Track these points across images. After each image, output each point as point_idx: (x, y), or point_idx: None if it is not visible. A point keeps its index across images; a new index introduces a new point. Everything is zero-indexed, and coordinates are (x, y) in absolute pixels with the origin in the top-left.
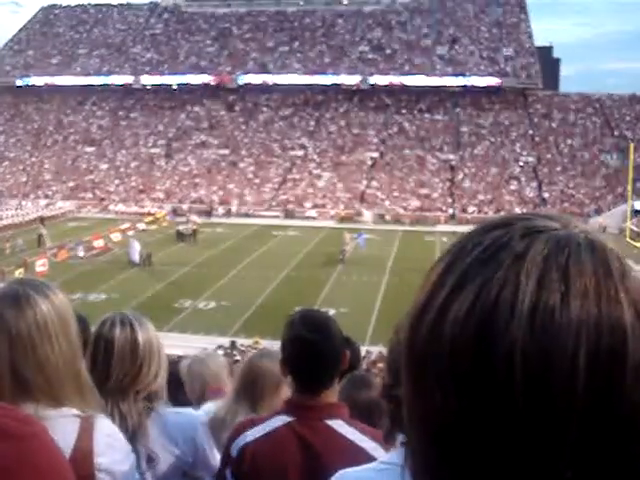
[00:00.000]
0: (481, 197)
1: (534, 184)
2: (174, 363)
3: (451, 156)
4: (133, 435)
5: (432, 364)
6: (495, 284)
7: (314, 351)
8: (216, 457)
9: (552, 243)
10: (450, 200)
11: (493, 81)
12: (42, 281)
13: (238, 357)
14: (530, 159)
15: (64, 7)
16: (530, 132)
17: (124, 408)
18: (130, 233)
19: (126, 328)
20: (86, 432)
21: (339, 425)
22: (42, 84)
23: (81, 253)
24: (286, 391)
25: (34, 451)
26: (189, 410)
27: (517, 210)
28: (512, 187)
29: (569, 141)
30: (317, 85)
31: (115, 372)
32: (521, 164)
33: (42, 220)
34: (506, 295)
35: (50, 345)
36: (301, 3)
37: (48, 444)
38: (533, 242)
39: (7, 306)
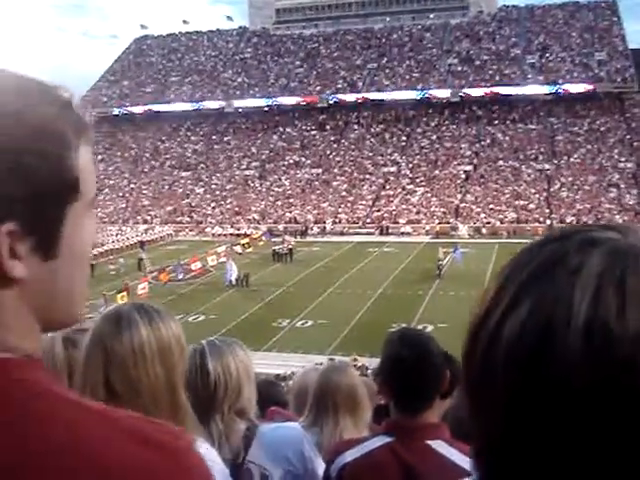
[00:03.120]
0: (579, 206)
1: (634, 191)
2: (273, 384)
3: (546, 165)
4: (236, 457)
5: (486, 382)
6: (549, 300)
7: (414, 371)
8: (322, 466)
9: (608, 255)
10: (547, 211)
11: (587, 87)
12: (156, 307)
13: None
14: (629, 165)
15: (156, 37)
16: (628, 137)
17: (215, 431)
18: (225, 256)
19: (196, 355)
20: None
21: (440, 445)
22: (138, 112)
23: (180, 275)
24: (367, 406)
25: (188, 464)
26: (290, 423)
27: (618, 219)
28: (611, 195)
29: None
30: (407, 100)
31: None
32: (620, 170)
33: (142, 244)
34: (561, 311)
35: (145, 369)
36: (387, 19)
37: (200, 458)
38: (589, 255)
39: (108, 324)
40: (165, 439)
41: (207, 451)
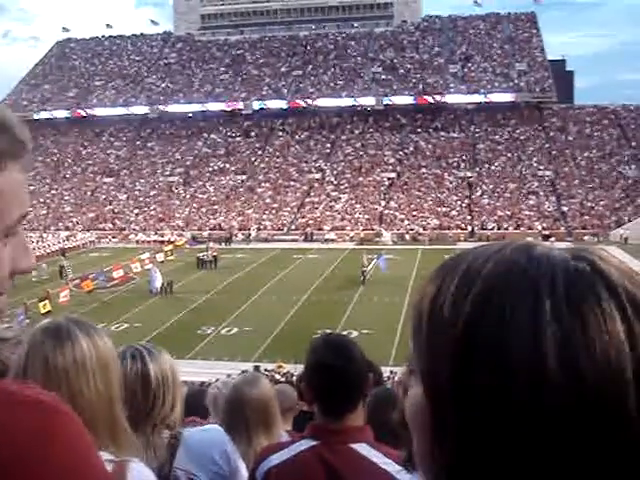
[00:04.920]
0: (500, 213)
1: (553, 198)
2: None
3: (468, 173)
4: (162, 467)
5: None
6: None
7: (338, 376)
8: (244, 468)
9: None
10: (469, 217)
11: (507, 97)
12: (89, 322)
13: None
14: (548, 173)
15: (79, 40)
16: (547, 146)
17: (142, 442)
18: (149, 263)
19: (137, 362)
20: (119, 477)
21: (364, 448)
22: (59, 117)
23: (104, 283)
24: (279, 420)
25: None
26: (212, 426)
27: (537, 225)
28: (531, 202)
29: (586, 154)
30: (332, 108)
31: (128, 408)
32: (539, 178)
33: (63, 252)
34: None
35: (86, 382)
36: (313, 27)
37: (77, 420)
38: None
39: (48, 337)
40: (47, 400)
41: (142, 472)
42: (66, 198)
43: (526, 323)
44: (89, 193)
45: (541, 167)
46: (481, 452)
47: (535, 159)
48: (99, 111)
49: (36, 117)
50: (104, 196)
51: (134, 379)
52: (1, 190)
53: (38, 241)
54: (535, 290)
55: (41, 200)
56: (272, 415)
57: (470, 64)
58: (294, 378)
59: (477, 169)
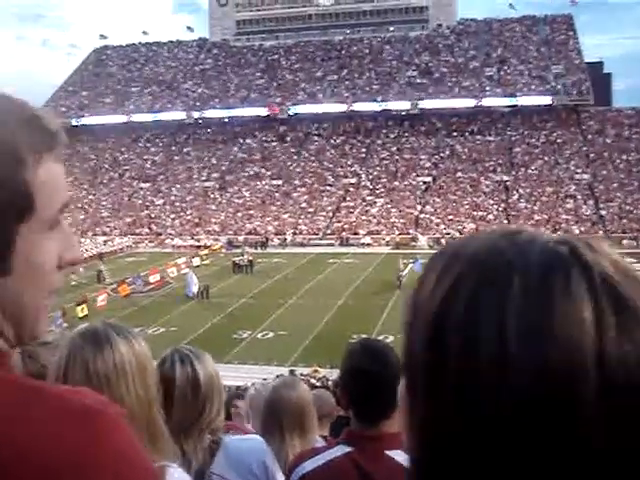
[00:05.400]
0: (537, 217)
1: (591, 202)
2: (237, 396)
3: (505, 177)
4: (201, 473)
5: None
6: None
7: (374, 382)
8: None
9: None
10: (506, 221)
11: (544, 100)
12: (125, 326)
13: None
14: (585, 176)
15: (115, 47)
16: (584, 149)
17: (188, 448)
18: (185, 268)
19: (186, 366)
20: None
21: (399, 455)
22: (96, 123)
23: (140, 287)
24: (315, 424)
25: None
26: (252, 435)
27: (575, 229)
28: (568, 206)
29: (624, 156)
30: (367, 112)
31: (177, 412)
32: (576, 182)
33: (101, 257)
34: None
35: (126, 387)
36: (348, 32)
37: (124, 423)
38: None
39: (87, 342)
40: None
41: (180, 477)
42: (103, 203)
43: (494, 304)
44: (126, 198)
45: (578, 170)
46: (450, 441)
47: (572, 162)
48: (136, 117)
49: (74, 123)
50: (141, 201)
51: (185, 383)
52: (42, 182)
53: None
54: (508, 271)
55: (79, 205)
56: (308, 419)
57: (506, 67)
58: (330, 383)
59: (514, 172)
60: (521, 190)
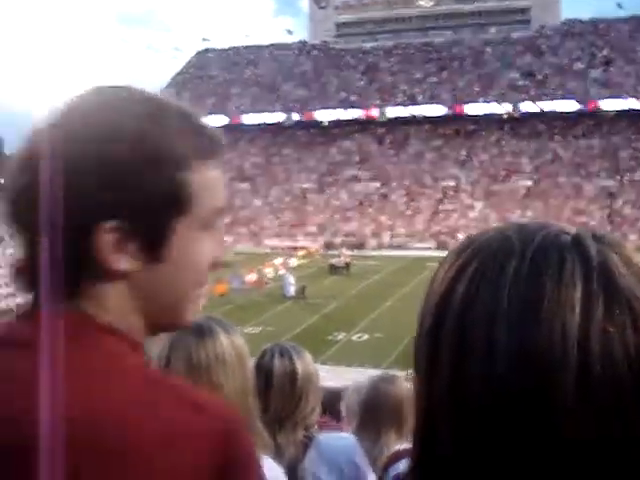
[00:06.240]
0: None
1: None
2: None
3: (609, 182)
4: (292, 467)
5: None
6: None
7: None
8: (374, 478)
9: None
10: (609, 228)
11: None
12: (225, 320)
13: None
14: None
15: (217, 50)
16: None
17: (281, 440)
18: (283, 268)
19: (285, 359)
20: None
21: None
22: None
23: (237, 286)
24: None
25: (235, 431)
26: (345, 434)
27: None
28: None
29: None
30: (467, 115)
31: (274, 403)
32: None
33: None
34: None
35: (225, 376)
36: (448, 33)
37: (247, 437)
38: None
39: (190, 333)
40: (216, 406)
41: (271, 468)
42: None
43: (489, 287)
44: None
45: None
46: (443, 420)
47: None
48: (236, 118)
49: None
50: (239, 202)
51: (282, 376)
52: (202, 185)
53: None
54: (507, 255)
55: None
56: (406, 415)
57: (612, 68)
58: None
59: (619, 177)
60: (626, 196)
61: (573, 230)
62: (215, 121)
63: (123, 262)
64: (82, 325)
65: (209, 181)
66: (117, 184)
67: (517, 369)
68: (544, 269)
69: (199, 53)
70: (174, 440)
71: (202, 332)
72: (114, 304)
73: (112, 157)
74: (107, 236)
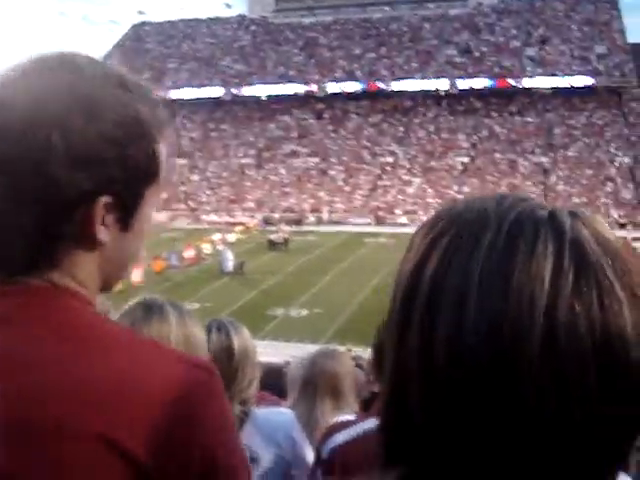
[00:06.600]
0: (576, 200)
1: (631, 185)
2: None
3: (543, 159)
4: None
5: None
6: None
7: None
8: (311, 455)
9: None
10: (544, 203)
11: (586, 81)
12: (179, 302)
13: None
14: (626, 160)
15: (154, 23)
16: (625, 132)
17: None
18: (221, 244)
19: (222, 334)
20: None
21: None
22: None
23: (175, 263)
24: (350, 395)
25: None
26: (283, 409)
27: (614, 213)
28: (608, 189)
29: None
30: (405, 91)
31: None
32: (617, 165)
33: None
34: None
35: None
36: (386, 9)
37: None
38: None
39: (141, 310)
40: (206, 363)
41: None
42: None
43: (462, 258)
44: (163, 174)
45: (619, 153)
46: (413, 397)
47: (613, 145)
48: (173, 93)
49: None
50: (177, 177)
51: (219, 351)
52: (162, 154)
53: None
54: (482, 227)
55: None
56: (344, 387)
57: (547, 47)
58: (363, 361)
59: (553, 154)
60: (560, 172)
61: (549, 206)
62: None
63: (104, 234)
64: (55, 297)
65: (165, 152)
66: (102, 160)
67: (485, 339)
68: (518, 242)
69: (135, 26)
70: (150, 388)
71: (152, 311)
72: (86, 274)
73: (100, 134)
74: (99, 210)
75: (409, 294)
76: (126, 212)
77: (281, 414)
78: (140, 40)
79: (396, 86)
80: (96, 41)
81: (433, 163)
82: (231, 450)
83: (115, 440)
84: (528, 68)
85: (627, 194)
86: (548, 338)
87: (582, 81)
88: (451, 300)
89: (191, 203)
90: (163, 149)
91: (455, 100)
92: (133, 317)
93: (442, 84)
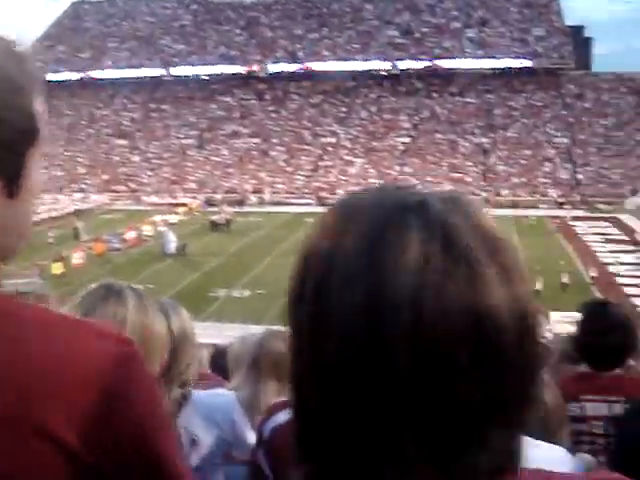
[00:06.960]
0: (515, 180)
1: (568, 165)
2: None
3: (483, 139)
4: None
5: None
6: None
7: None
8: (252, 436)
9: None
10: (483, 183)
11: (524, 62)
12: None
13: None
14: (564, 140)
15: (93, 2)
16: (563, 113)
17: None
18: (162, 225)
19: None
20: None
21: None
22: (73, 79)
23: (116, 245)
24: None
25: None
26: (223, 390)
27: (552, 192)
28: (546, 169)
29: (603, 121)
30: (347, 71)
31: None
32: (555, 145)
33: (77, 214)
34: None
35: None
36: None
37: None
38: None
39: (96, 295)
40: (126, 337)
41: None
42: (80, 160)
43: (341, 250)
44: (103, 155)
45: (557, 134)
46: (307, 385)
47: (551, 126)
48: (112, 73)
49: (50, 78)
50: (118, 158)
51: None
52: (40, 113)
53: (52, 203)
54: (359, 217)
55: (55, 162)
56: (286, 369)
57: (487, 29)
58: None
59: (492, 135)
60: (499, 153)
61: (423, 192)
62: (91, 75)
63: None
64: None
65: (43, 108)
66: None
67: (359, 328)
68: (386, 231)
69: (74, 4)
70: (72, 361)
71: (109, 294)
72: None
73: None
74: None
75: (299, 288)
76: (9, 179)
77: (221, 395)
78: (79, 18)
79: (337, 66)
80: (33, 19)
81: (375, 143)
82: (160, 421)
83: (41, 424)
84: (468, 49)
85: (565, 174)
86: (417, 322)
87: (521, 63)
88: (313, 290)
89: (132, 184)
90: (38, 106)
91: (396, 81)
92: (92, 299)
93: (383, 65)
